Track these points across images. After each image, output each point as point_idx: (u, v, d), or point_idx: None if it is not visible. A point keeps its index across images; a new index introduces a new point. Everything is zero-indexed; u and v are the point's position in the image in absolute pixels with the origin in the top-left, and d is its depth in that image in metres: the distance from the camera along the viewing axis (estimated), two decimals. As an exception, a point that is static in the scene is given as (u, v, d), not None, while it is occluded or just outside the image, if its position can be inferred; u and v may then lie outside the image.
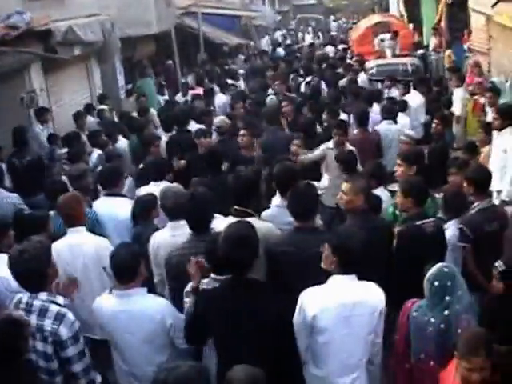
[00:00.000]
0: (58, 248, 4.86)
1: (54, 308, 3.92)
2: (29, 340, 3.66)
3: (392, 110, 9.52)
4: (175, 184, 5.90)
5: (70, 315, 3.91)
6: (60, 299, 4.02)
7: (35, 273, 3.95)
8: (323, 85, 13.23)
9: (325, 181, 7.35)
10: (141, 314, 4.05)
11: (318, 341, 3.89)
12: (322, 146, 7.74)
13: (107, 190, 6.40)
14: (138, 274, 4.12)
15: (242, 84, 15.89)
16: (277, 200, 5.41)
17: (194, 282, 4.13)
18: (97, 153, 8.77)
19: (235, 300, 3.72)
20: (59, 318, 3.87)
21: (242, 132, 7.77)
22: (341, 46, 23.72)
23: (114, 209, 6.05)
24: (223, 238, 3.77)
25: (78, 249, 5.02)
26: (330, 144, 7.70)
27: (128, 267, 4.07)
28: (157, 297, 4.32)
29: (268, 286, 4.03)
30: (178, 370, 2.92)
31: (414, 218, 5.19)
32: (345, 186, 5.13)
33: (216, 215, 5.08)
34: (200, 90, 14.25)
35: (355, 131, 8.95)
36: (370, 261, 4.55)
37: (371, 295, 3.90)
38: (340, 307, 3.81)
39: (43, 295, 3.98)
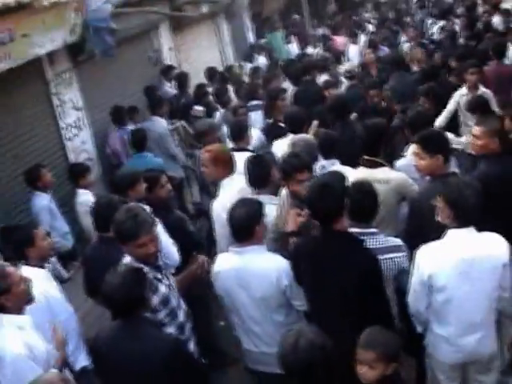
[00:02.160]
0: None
1: None
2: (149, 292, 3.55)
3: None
4: (304, 135, 5.71)
5: None
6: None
7: None
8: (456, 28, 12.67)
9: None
10: (256, 271, 3.86)
11: (437, 299, 3.62)
12: (455, 97, 7.27)
13: (234, 145, 6.22)
14: (255, 234, 3.88)
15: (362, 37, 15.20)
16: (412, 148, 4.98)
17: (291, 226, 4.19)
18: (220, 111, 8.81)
19: (321, 251, 3.66)
20: None
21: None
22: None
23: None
24: (309, 187, 3.72)
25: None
26: (464, 90, 7.23)
27: (244, 226, 3.86)
28: (275, 255, 4.01)
29: (359, 240, 3.70)
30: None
31: None
32: (477, 129, 4.62)
33: (344, 166, 5.03)
34: (341, 39, 14.16)
35: (490, 63, 8.38)
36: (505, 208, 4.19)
37: (493, 248, 3.54)
38: (458, 263, 3.52)
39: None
